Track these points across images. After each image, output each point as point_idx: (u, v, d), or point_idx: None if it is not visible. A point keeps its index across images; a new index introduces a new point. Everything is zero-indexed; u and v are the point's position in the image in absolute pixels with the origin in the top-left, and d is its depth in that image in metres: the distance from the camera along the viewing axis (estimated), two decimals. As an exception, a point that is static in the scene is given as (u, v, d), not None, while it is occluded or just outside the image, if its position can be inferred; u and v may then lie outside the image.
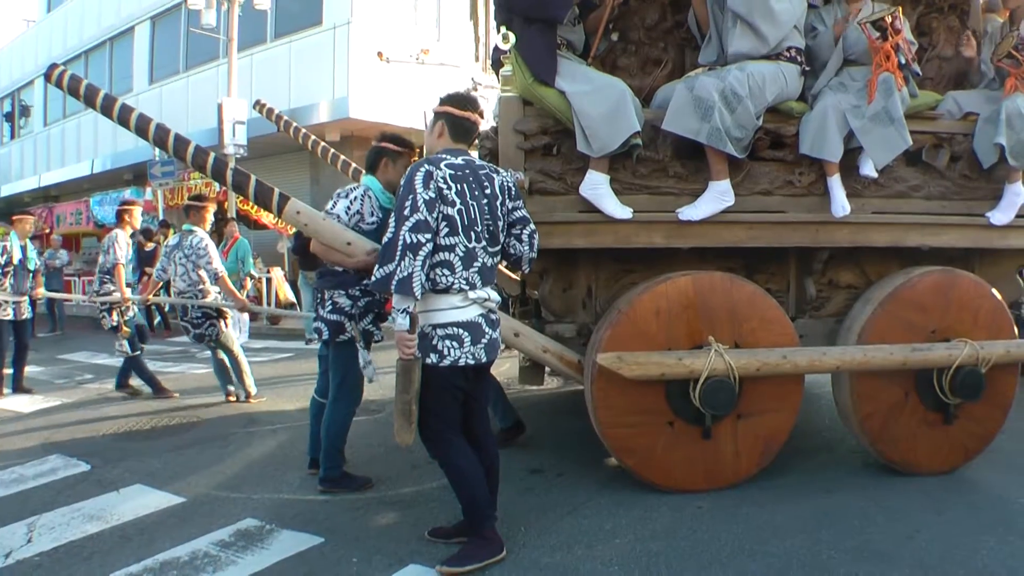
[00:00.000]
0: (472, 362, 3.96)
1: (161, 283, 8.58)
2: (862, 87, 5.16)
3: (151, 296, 9.00)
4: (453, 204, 3.87)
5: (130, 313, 8.72)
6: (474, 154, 4.37)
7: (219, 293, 8.15)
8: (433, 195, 3.81)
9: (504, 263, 4.51)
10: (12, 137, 33.39)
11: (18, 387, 9.37)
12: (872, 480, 5.35)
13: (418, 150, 5.44)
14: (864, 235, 5.29)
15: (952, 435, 5.33)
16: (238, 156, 17.45)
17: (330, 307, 5.19)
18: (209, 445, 6.63)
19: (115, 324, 8.62)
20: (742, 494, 5.03)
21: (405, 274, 3.72)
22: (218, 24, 18.88)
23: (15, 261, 9.15)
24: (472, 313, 3.97)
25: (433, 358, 3.90)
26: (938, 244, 5.39)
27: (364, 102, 18.39)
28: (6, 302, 9.00)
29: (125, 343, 8.61)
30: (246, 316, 8.60)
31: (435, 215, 3.81)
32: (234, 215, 16.40)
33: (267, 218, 17.92)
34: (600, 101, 4.82)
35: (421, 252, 3.75)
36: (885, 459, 5.37)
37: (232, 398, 8.38)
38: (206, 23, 18.53)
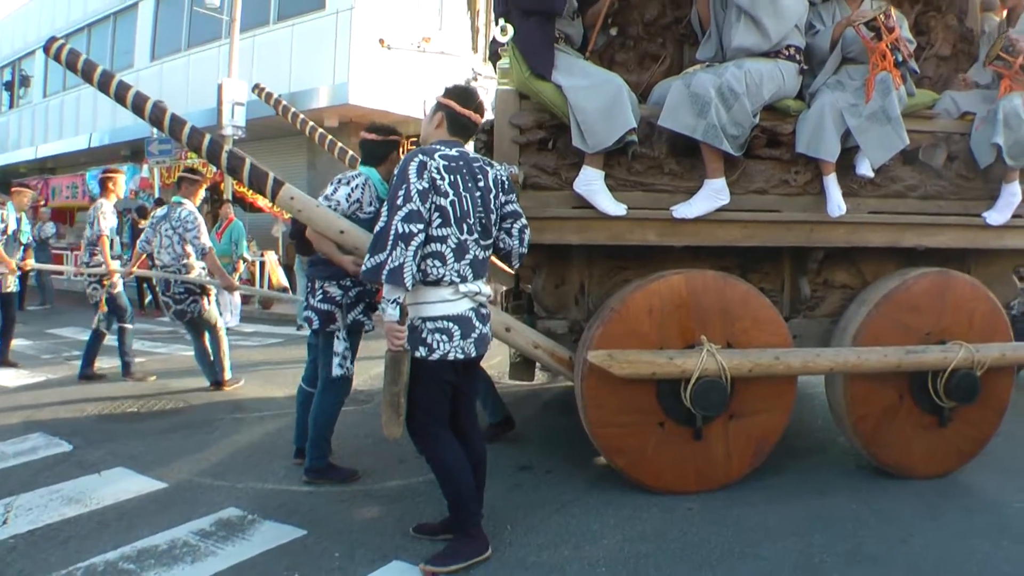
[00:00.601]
0: (461, 356, 3.94)
1: (145, 255, 8.32)
2: (860, 86, 5.15)
3: (135, 268, 8.75)
4: (446, 195, 3.85)
5: (117, 288, 8.59)
6: (469, 146, 4.28)
7: (204, 269, 8.01)
8: (427, 185, 3.79)
9: (495, 257, 4.43)
10: (11, 107, 33.09)
11: (4, 361, 9.30)
12: (865, 482, 5.34)
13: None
14: (860, 235, 5.28)
15: (947, 438, 5.33)
16: (236, 137, 17.35)
17: (321, 296, 5.19)
18: (195, 430, 6.59)
19: (113, 293, 8.52)
20: (733, 495, 5.02)
21: (396, 264, 3.69)
22: (222, 4, 18.78)
23: (9, 232, 9.14)
24: (463, 307, 3.95)
25: (422, 351, 3.88)
26: (934, 244, 5.39)
27: (364, 88, 18.30)
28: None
29: (98, 317, 8.50)
30: (237, 299, 8.49)
31: (428, 206, 3.80)
32: (230, 197, 16.26)
33: (263, 201, 17.79)
34: (596, 96, 4.79)
35: (413, 242, 3.73)
36: (879, 462, 5.37)
37: (233, 386, 8.26)
38: (210, 2, 18.43)
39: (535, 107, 4.99)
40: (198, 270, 7.96)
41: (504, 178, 4.19)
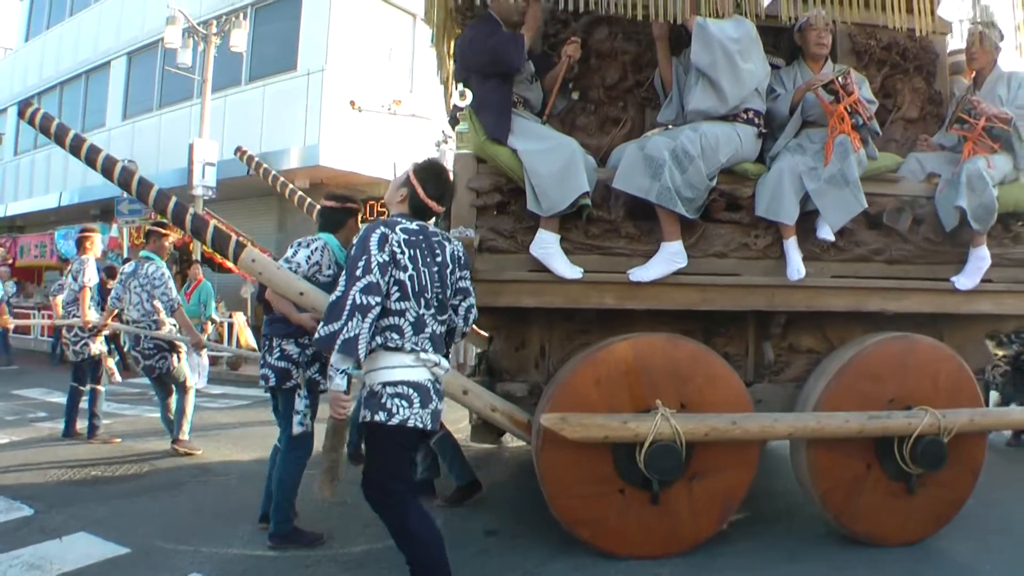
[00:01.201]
0: (420, 425, 3.91)
1: (116, 311, 8.31)
2: (820, 149, 5.23)
3: (108, 321, 8.62)
4: (405, 269, 3.90)
5: (97, 346, 8.61)
6: None
7: (174, 326, 7.98)
8: (387, 258, 3.85)
9: None
10: (-19, 164, 33.02)
11: None
12: (836, 548, 5.31)
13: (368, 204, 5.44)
14: (822, 299, 5.30)
15: (921, 504, 5.26)
16: (206, 198, 17.51)
17: (278, 354, 5.28)
18: (159, 494, 6.54)
19: (93, 354, 8.54)
20: (702, 561, 4.99)
21: (351, 335, 3.74)
22: (193, 64, 19.10)
23: None
24: (422, 375, 3.96)
25: (382, 416, 3.86)
26: (900, 309, 5.40)
27: (335, 150, 18.57)
28: None
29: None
30: (205, 360, 8.41)
31: (387, 278, 3.85)
32: (199, 258, 16.22)
33: (231, 262, 17.76)
34: (551, 160, 4.90)
35: (370, 315, 3.78)
36: (851, 533, 5.30)
37: (187, 449, 8.05)
38: (182, 62, 18.78)
39: (492, 171, 5.11)
40: (169, 327, 7.94)
41: (460, 254, 4.25)
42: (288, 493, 5.23)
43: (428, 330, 3.96)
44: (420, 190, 4.11)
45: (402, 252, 3.88)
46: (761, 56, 5.28)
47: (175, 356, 7.95)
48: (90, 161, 4.84)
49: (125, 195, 18.73)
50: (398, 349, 3.89)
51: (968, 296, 5.46)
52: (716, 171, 5.09)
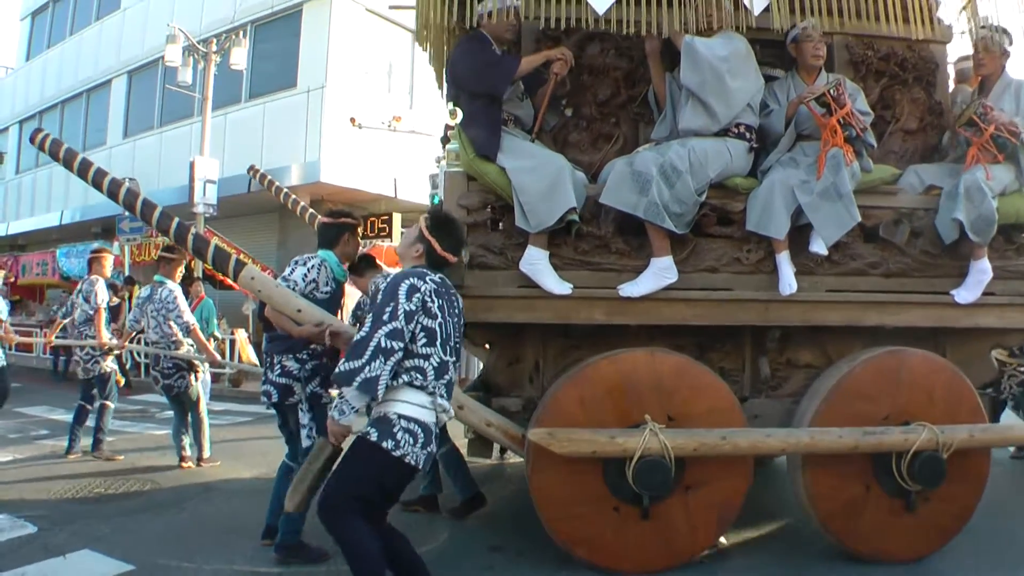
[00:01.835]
0: (414, 464, 4.07)
1: (134, 333, 8.74)
2: (813, 162, 5.29)
3: (126, 343, 9.23)
4: (435, 317, 4.10)
5: (108, 364, 8.86)
6: None
7: (192, 346, 8.32)
8: (415, 307, 4.03)
9: None
10: (-17, 183, 33.21)
11: None
12: (841, 563, 5.31)
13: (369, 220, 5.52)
14: (818, 314, 5.34)
15: (926, 519, 5.22)
16: (207, 215, 17.63)
17: (279, 370, 5.44)
18: (162, 510, 6.66)
19: (103, 371, 8.74)
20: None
21: (373, 375, 3.90)
22: (194, 82, 19.33)
23: None
24: (431, 418, 4.14)
25: (389, 444, 4.01)
26: (898, 323, 5.42)
27: (335, 167, 18.76)
28: None
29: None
30: (207, 377, 8.52)
31: (412, 326, 4.03)
32: (201, 275, 16.28)
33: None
34: (538, 177, 5.03)
35: (392, 359, 3.95)
36: (857, 555, 5.25)
37: (187, 464, 8.31)
38: (182, 81, 19.00)
39: (482, 188, 5.26)
40: (186, 347, 8.28)
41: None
42: None
43: (448, 376, 4.17)
44: (438, 247, 4.30)
45: (432, 301, 4.08)
46: (753, 71, 5.37)
47: (193, 375, 8.25)
48: (96, 183, 5.05)
49: (126, 213, 18.83)
50: (421, 388, 4.06)
51: (970, 310, 5.44)
52: (705, 186, 5.18)
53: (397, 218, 19.07)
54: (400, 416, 4.01)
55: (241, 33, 19.33)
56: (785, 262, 5.20)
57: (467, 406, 5.20)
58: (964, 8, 6.03)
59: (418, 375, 4.03)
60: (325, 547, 5.41)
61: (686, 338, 5.48)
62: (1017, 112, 5.71)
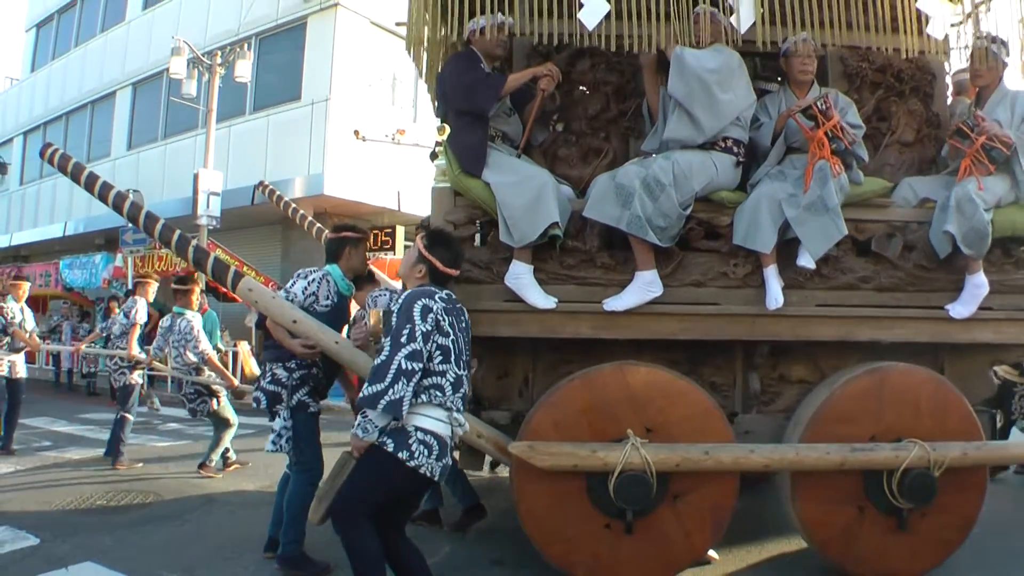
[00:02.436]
0: (429, 475, 4.27)
1: (157, 359, 9.82)
2: (801, 175, 5.32)
3: (153, 361, 10.20)
4: (448, 335, 4.32)
5: (135, 377, 9.68)
6: None
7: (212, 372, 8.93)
8: (430, 328, 4.25)
9: None
10: (-12, 194, 33.42)
11: (6, 448, 9.88)
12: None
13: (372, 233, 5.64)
14: (808, 328, 5.36)
15: (926, 533, 5.18)
16: (211, 227, 17.80)
17: (269, 378, 5.67)
18: (165, 523, 6.83)
19: (130, 383, 9.52)
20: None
21: (397, 397, 4.09)
22: (198, 94, 19.56)
23: (16, 323, 10.12)
24: (447, 431, 4.34)
25: (404, 454, 4.21)
26: (893, 338, 5.41)
27: (339, 179, 18.94)
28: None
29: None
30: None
31: (428, 346, 4.24)
32: (204, 287, 16.34)
33: (237, 291, 17.89)
34: (522, 192, 5.13)
35: (413, 379, 4.16)
36: None
37: (209, 473, 8.70)
38: (186, 93, 19.32)
39: (468, 204, 5.40)
40: (208, 372, 8.87)
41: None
42: (297, 515, 5.46)
43: (463, 390, 4.41)
44: (439, 264, 4.52)
45: (443, 319, 4.31)
46: (744, 85, 5.42)
47: (214, 400, 8.83)
48: (102, 196, 5.32)
49: (129, 225, 18.96)
50: (440, 405, 4.26)
51: (966, 324, 5.39)
52: (690, 199, 5.25)
53: (400, 231, 19.32)
54: (417, 428, 4.22)
55: (246, 46, 19.68)
56: (772, 276, 5.22)
57: (457, 419, 5.30)
58: (962, 22, 6.07)
59: (437, 392, 4.24)
60: (328, 560, 5.49)
61: (679, 352, 5.54)
62: (1011, 123, 5.66)
